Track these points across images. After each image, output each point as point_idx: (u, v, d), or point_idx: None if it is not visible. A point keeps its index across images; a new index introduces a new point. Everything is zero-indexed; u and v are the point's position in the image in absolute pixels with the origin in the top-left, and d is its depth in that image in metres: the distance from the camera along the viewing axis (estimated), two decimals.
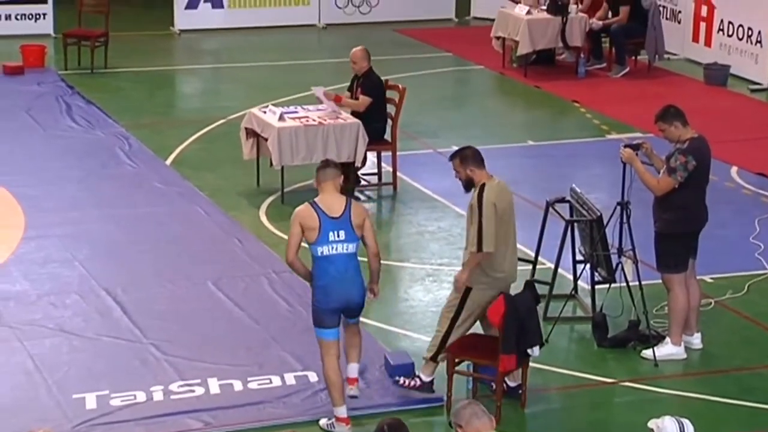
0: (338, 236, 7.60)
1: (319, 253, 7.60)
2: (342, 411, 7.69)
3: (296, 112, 11.72)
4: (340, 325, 7.74)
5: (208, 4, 17.94)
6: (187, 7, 17.86)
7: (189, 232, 10.75)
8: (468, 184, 8.01)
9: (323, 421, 7.80)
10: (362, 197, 11.85)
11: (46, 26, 17.22)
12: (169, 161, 12.53)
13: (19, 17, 17.16)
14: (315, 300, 7.65)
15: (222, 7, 18.01)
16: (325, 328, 7.65)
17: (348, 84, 12.03)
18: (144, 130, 13.36)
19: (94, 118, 13.72)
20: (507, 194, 8.03)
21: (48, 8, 17.22)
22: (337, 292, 7.60)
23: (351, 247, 7.64)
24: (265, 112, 11.65)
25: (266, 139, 11.38)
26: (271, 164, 11.42)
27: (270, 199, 11.54)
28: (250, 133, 11.65)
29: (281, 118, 11.44)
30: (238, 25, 17.98)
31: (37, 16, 17.25)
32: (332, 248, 7.60)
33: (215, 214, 11.12)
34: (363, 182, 12.01)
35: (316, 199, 7.72)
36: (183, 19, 17.84)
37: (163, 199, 11.43)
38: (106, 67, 15.80)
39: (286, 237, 10.55)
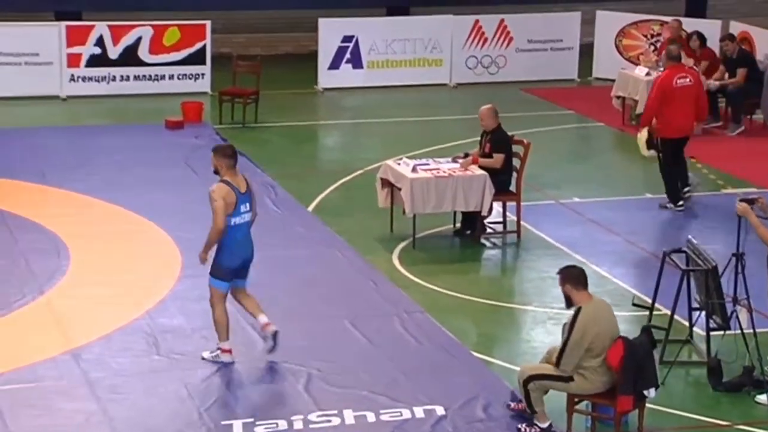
0: (246, 208, 8.75)
1: (232, 223, 8.65)
2: (227, 344, 8.86)
3: (428, 164, 11.73)
4: (233, 280, 8.79)
5: (349, 65, 18.12)
6: (330, 67, 18.06)
7: (328, 273, 10.80)
8: (568, 302, 7.95)
9: (207, 354, 8.88)
10: (488, 244, 11.77)
11: (204, 85, 17.59)
12: (311, 208, 12.64)
13: (180, 77, 17.57)
14: (223, 259, 8.71)
15: (362, 67, 18.17)
16: (224, 281, 8.78)
17: (478, 139, 12.01)
18: (289, 179, 13.50)
19: (244, 168, 13.80)
20: (604, 317, 7.84)
21: (206, 69, 17.59)
22: (242, 253, 8.75)
23: (250, 216, 8.80)
24: (399, 164, 11.69)
25: (400, 189, 11.42)
26: (404, 212, 11.44)
27: (402, 244, 11.54)
28: (385, 183, 11.70)
29: (414, 169, 11.47)
30: (377, 84, 18.12)
31: (197, 76, 17.62)
32: (241, 218, 8.73)
33: (352, 257, 11.16)
34: (489, 230, 11.93)
35: (227, 179, 8.68)
36: (326, 78, 18.05)
37: (305, 243, 11.51)
38: (257, 122, 16.05)
39: (417, 280, 10.68)
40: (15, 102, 16.60)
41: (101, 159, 14.02)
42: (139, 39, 17.30)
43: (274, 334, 8.88)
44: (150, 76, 17.43)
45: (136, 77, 17.37)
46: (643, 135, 12.46)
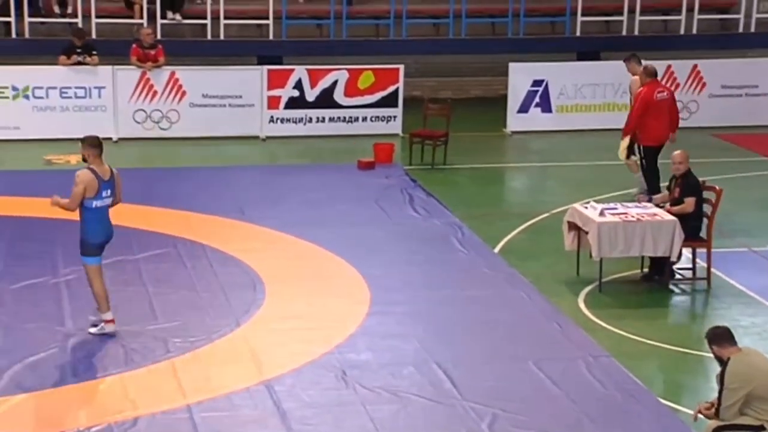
0: (107, 194, 9.75)
1: (94, 205, 9.69)
2: (109, 315, 9.83)
3: (616, 208, 11.52)
4: (101, 255, 9.81)
5: (538, 109, 18.03)
6: (519, 110, 18.01)
7: (513, 314, 10.70)
8: (718, 360, 7.76)
9: (93, 329, 9.78)
10: (676, 290, 11.46)
11: (396, 127, 17.80)
12: (497, 249, 12.57)
13: (373, 119, 17.84)
14: (89, 237, 9.72)
15: (550, 111, 18.05)
16: (94, 257, 9.77)
17: (666, 184, 11.73)
18: (475, 221, 13.48)
19: (432, 209, 13.98)
20: (759, 365, 7.61)
21: (398, 111, 17.80)
22: (103, 231, 9.78)
23: (111, 201, 9.83)
24: (586, 208, 11.52)
25: (587, 233, 11.24)
26: (591, 256, 11.25)
27: (588, 288, 11.34)
28: (572, 226, 11.55)
29: (602, 213, 11.28)
30: (565, 128, 17.97)
31: (389, 118, 17.85)
32: (102, 202, 9.74)
33: (537, 299, 11.03)
34: (678, 276, 11.61)
35: (92, 167, 9.68)
36: (515, 121, 18.01)
37: (490, 284, 11.44)
38: (445, 164, 16.11)
39: (604, 324, 10.47)
40: (219, 141, 17.16)
41: (296, 197, 14.32)
42: (335, 82, 17.65)
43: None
44: (344, 117, 17.76)
45: (331, 119, 17.72)
46: (624, 143, 13.70)
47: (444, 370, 9.39)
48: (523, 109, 17.99)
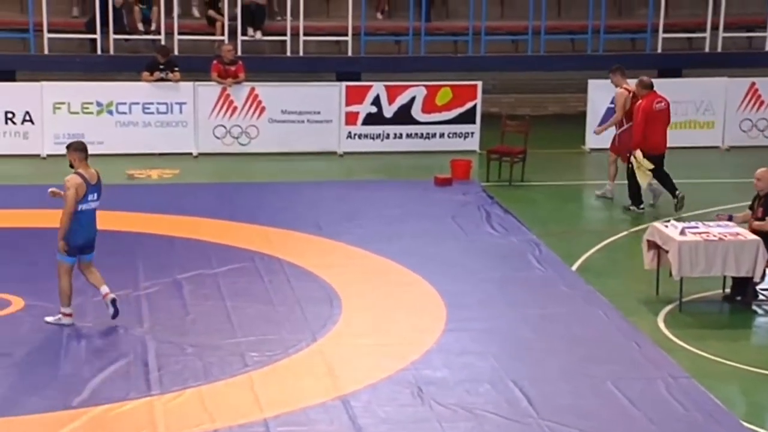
0: (94, 197, 10.23)
1: (80, 209, 10.12)
2: (69, 309, 10.31)
3: (697, 227, 11.36)
4: (78, 256, 10.25)
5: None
6: None
7: (590, 333, 10.59)
8: None
9: (50, 318, 10.28)
10: (759, 311, 11.25)
11: (473, 144, 17.76)
12: (574, 267, 12.46)
13: (450, 135, 17.83)
14: (69, 239, 10.08)
15: None
16: (71, 257, 10.19)
17: (748, 203, 11.54)
18: (553, 238, 13.38)
19: (509, 226, 13.91)
20: None
21: (476, 128, 17.77)
22: (86, 234, 10.19)
23: (97, 204, 10.26)
24: (666, 226, 11.38)
25: (667, 252, 11.09)
26: (671, 275, 11.09)
27: (668, 307, 11.19)
28: (652, 245, 11.41)
29: (682, 232, 11.12)
30: None
31: (466, 135, 17.83)
32: (88, 205, 10.19)
33: (615, 318, 10.90)
34: (761, 297, 11.40)
35: (80, 171, 10.14)
36: (594, 138, 17.83)
37: (568, 302, 11.34)
38: (523, 180, 16.03)
39: (684, 345, 10.30)
40: (297, 157, 17.28)
41: (373, 212, 14.35)
42: (413, 98, 17.68)
43: (113, 301, 10.33)
44: (422, 134, 17.77)
45: (409, 135, 17.75)
46: (639, 154, 14.27)
47: (520, 387, 9.32)
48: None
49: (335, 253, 12.75)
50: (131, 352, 9.86)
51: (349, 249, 12.87)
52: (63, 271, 10.28)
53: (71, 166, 10.28)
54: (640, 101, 14.35)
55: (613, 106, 18.27)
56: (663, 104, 14.52)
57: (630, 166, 14.43)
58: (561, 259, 12.60)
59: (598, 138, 17.80)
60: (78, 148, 10.30)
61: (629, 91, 14.85)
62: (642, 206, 14.48)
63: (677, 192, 14.34)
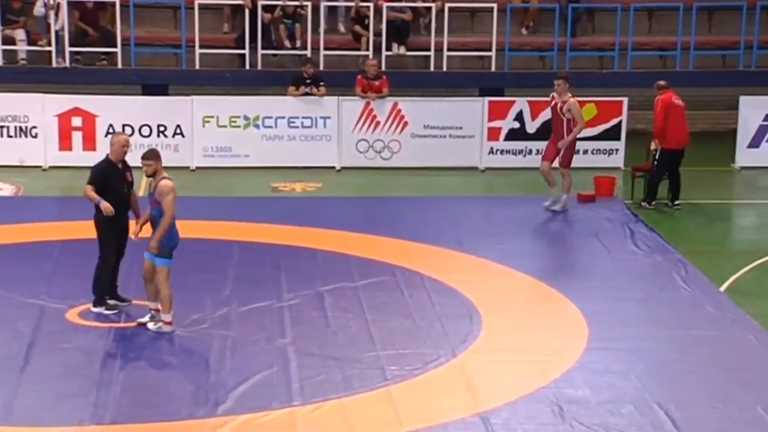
0: None
1: None
2: (170, 317, 10.50)
3: None
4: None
5: None
6: (750, 145, 17.45)
7: (739, 356, 10.29)
8: None
9: (152, 326, 10.51)
10: None
11: (618, 160, 17.51)
12: (723, 288, 12.14)
13: (594, 152, 17.63)
14: (169, 241, 10.40)
15: None
16: (171, 259, 10.44)
17: None
18: (700, 257, 13.07)
19: (654, 244, 13.65)
20: None
21: (620, 145, 17.52)
22: (177, 235, 10.53)
23: None
24: None
25: None
26: None
27: None
28: None
29: None
30: None
31: (611, 151, 17.60)
32: None
33: (766, 342, 10.57)
34: None
35: (167, 176, 10.46)
36: (744, 156, 17.43)
37: (716, 324, 11.05)
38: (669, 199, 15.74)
39: None
40: (438, 172, 17.31)
41: (514, 228, 14.26)
42: None
43: (143, 324, 10.62)
44: None
45: None
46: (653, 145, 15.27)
47: (665, 410, 9.11)
48: (754, 143, 17.39)
49: (476, 268, 12.71)
50: (274, 362, 9.99)
51: (489, 265, 12.82)
52: (165, 276, 10.43)
53: (151, 175, 10.48)
54: (658, 97, 15.17)
55: (766, 123, 17.82)
56: (680, 101, 15.22)
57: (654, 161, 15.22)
58: (708, 280, 12.29)
59: (749, 156, 17.38)
60: (159, 156, 10.59)
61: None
62: (654, 203, 15.20)
63: (678, 202, 15.13)
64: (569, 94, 15.04)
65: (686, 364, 10.10)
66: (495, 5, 18.85)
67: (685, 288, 12.07)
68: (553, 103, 15.22)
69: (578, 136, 15.24)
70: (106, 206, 10.66)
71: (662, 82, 15.49)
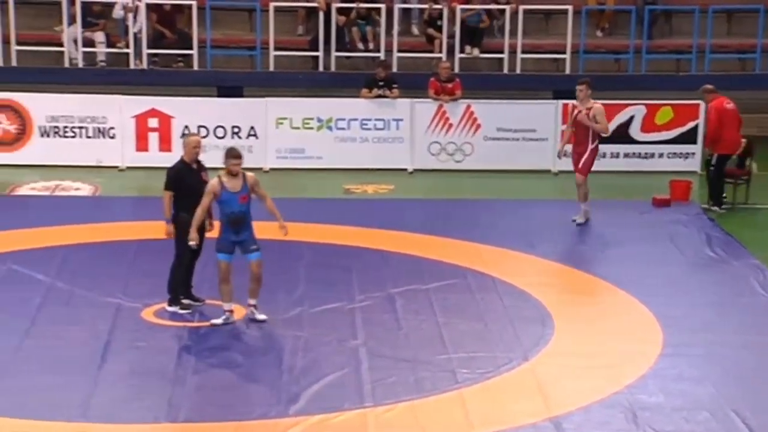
0: None
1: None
2: (230, 306, 10.76)
3: None
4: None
5: None
6: None
7: None
8: None
9: (216, 321, 10.67)
10: None
11: (694, 164, 17.30)
12: None
13: (670, 155, 17.44)
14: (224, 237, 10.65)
15: None
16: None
17: None
18: None
19: (731, 249, 13.46)
20: None
21: (696, 148, 17.31)
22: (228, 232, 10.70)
23: None
24: None
25: None
26: None
27: None
28: None
29: None
30: None
31: (687, 155, 17.40)
32: None
33: None
34: None
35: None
36: None
37: None
38: (747, 203, 15.50)
39: None
40: (511, 175, 17.24)
41: (588, 232, 14.16)
42: (632, 117, 17.38)
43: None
44: (640, 153, 17.44)
45: (626, 154, 17.46)
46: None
47: (742, 418, 8.97)
48: None
49: (548, 272, 12.64)
50: (346, 364, 10.02)
51: (562, 268, 12.74)
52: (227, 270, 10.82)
53: (232, 173, 10.65)
54: (710, 104, 15.19)
55: None
56: (732, 105, 15.18)
57: (711, 167, 15.18)
58: None
59: None
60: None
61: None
62: (723, 207, 15.14)
63: (723, 204, 15.11)
64: (591, 100, 14.40)
65: (764, 370, 9.94)
66: (570, 7, 18.72)
67: (763, 294, 11.88)
68: (575, 112, 14.47)
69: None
70: (168, 231, 10.83)
71: (710, 86, 15.41)
